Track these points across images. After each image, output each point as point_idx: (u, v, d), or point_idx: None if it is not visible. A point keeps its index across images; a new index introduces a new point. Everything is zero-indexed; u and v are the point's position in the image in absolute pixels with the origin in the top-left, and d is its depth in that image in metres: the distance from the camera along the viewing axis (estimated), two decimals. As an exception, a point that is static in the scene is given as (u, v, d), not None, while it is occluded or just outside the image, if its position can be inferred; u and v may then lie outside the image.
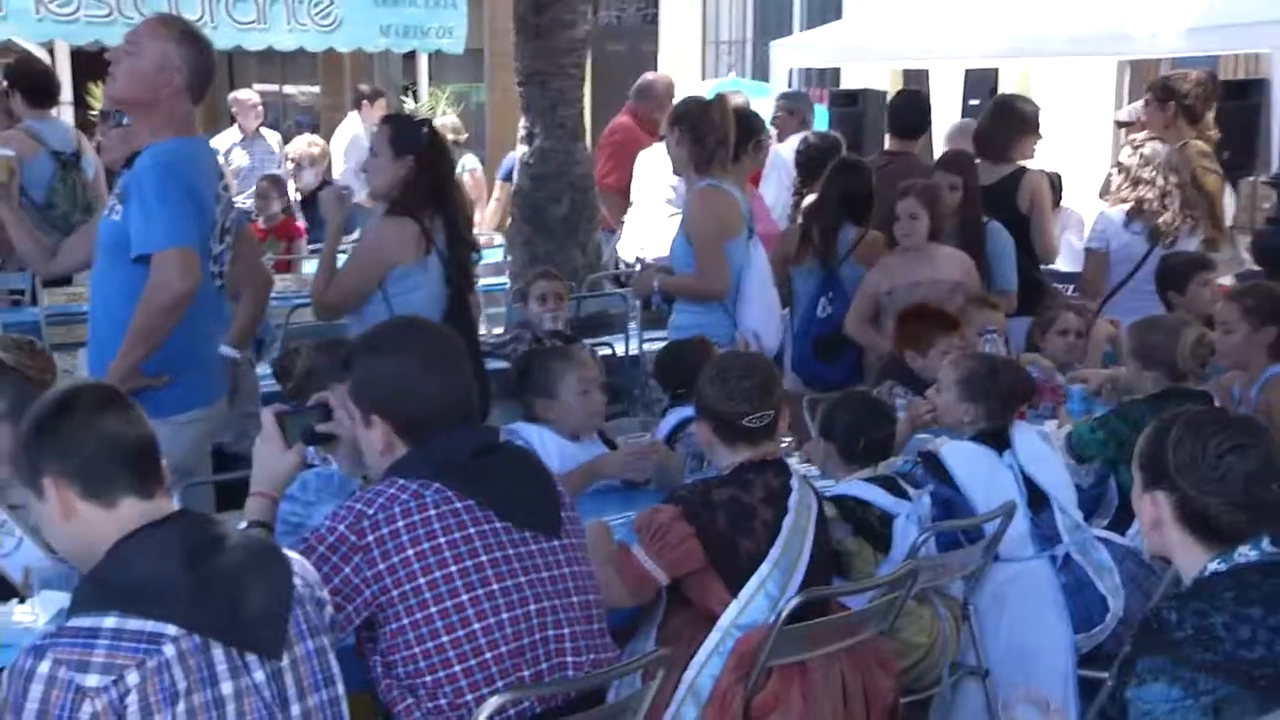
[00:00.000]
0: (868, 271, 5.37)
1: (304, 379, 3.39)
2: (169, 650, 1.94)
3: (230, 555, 2.07)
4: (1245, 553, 2.26)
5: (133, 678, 1.91)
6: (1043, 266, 6.04)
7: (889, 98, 8.02)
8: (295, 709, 2.10)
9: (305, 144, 8.66)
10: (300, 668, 2.12)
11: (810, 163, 6.66)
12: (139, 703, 1.91)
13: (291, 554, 2.23)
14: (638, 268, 5.27)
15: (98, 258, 3.79)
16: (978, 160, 5.84)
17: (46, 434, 2.08)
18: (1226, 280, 6.10)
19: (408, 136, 4.29)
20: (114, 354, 3.59)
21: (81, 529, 2.08)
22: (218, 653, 1.99)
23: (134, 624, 1.95)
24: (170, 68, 3.65)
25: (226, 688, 2.00)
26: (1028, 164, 6.00)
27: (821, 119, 9.34)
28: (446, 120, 10.62)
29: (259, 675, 2.04)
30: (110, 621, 1.95)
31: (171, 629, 1.96)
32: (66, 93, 11.16)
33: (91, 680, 1.90)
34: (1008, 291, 5.52)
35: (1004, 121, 5.99)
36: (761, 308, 4.97)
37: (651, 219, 7.55)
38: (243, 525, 2.50)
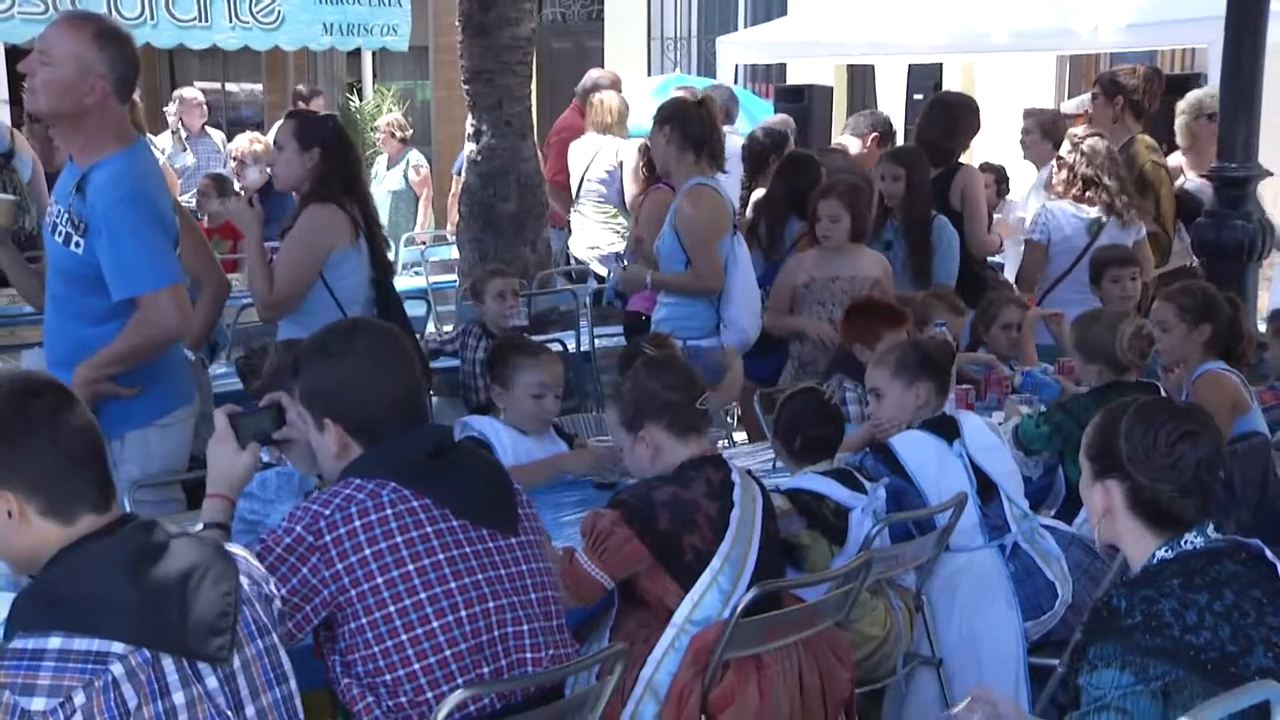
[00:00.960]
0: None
1: (272, 378, 3.35)
2: (116, 669, 1.91)
3: (174, 562, 2.03)
4: (1191, 540, 2.32)
5: (79, 698, 1.88)
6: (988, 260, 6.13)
7: (834, 93, 8.09)
8: (250, 709, 2.09)
9: (248, 141, 8.58)
10: (252, 668, 2.11)
11: (755, 157, 6.72)
12: None
13: (236, 550, 2.21)
14: (624, 264, 5.33)
15: (54, 279, 3.59)
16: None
17: (4, 445, 1.99)
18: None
19: (313, 130, 4.35)
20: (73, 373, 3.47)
21: (29, 540, 2.02)
22: (168, 663, 1.97)
23: (80, 644, 1.91)
24: (92, 74, 3.37)
25: (178, 697, 1.97)
26: (966, 160, 6.09)
27: (767, 114, 9.40)
28: (391, 117, 10.58)
29: (211, 682, 2.02)
30: (55, 642, 1.90)
31: (118, 646, 1.92)
32: (2, 91, 10.99)
33: (38, 704, 1.86)
34: (945, 285, 5.59)
35: (941, 120, 6.09)
36: (745, 302, 5.11)
37: (589, 214, 7.58)
38: (199, 527, 2.48)
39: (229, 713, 2.03)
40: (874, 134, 6.94)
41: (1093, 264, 5.36)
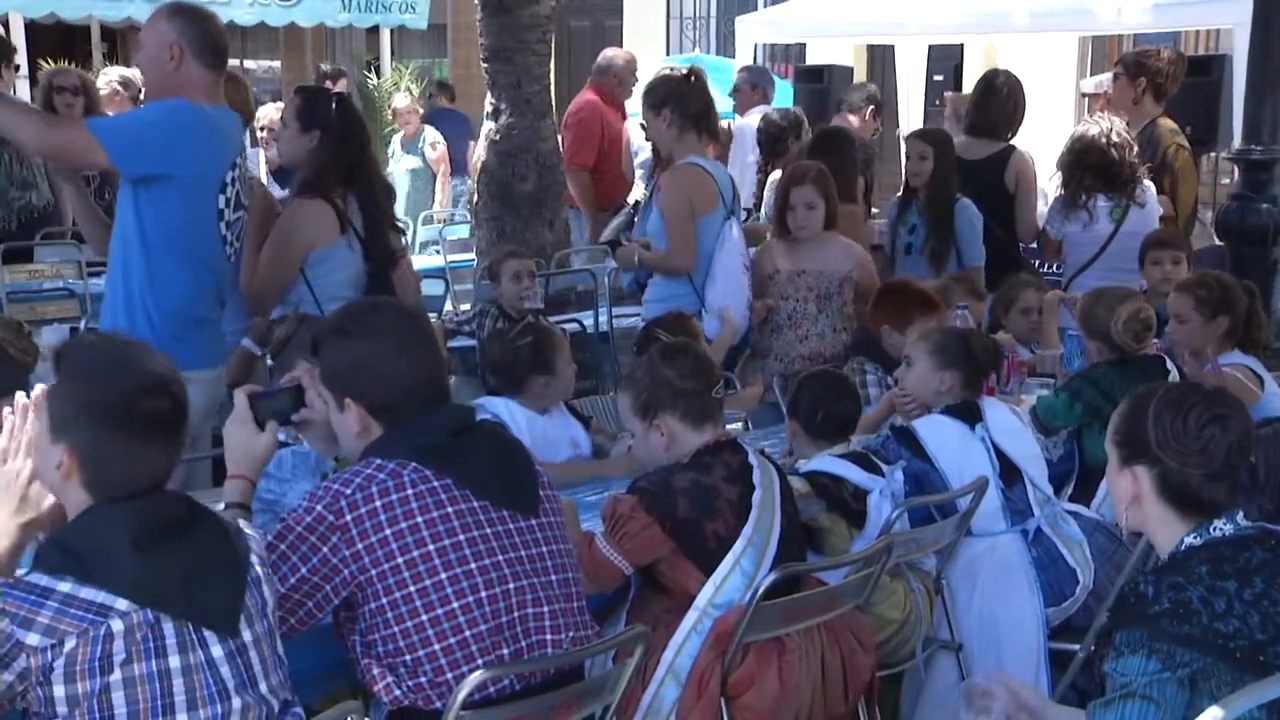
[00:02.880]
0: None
1: (279, 347, 3.33)
2: (116, 624, 1.95)
3: (186, 531, 2.07)
4: (1220, 527, 2.29)
5: (70, 643, 1.93)
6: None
7: (854, 73, 8.06)
8: (263, 685, 2.11)
9: (275, 111, 8.45)
10: (262, 645, 2.13)
11: (770, 140, 6.70)
12: (64, 666, 1.93)
13: (250, 530, 2.22)
14: (624, 240, 5.32)
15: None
16: (967, 136, 5.92)
17: (84, 418, 2.04)
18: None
19: (315, 110, 4.26)
20: (138, 319, 3.77)
21: (66, 494, 2.09)
22: (168, 627, 2.00)
23: (87, 593, 1.96)
24: (166, 42, 3.77)
25: (174, 661, 2.00)
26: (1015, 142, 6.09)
27: (786, 94, 9.35)
28: (409, 100, 10.56)
29: (217, 650, 2.05)
30: (65, 586, 1.96)
31: (122, 603, 1.96)
32: (22, 67, 10.99)
33: (32, 639, 1.93)
34: (975, 266, 5.56)
35: (1003, 99, 6.04)
36: (728, 286, 4.95)
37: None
38: (220, 507, 2.48)
39: (236, 685, 2.05)
40: (870, 107, 6.90)
41: (1143, 244, 5.29)
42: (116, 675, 1.95)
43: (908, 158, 5.69)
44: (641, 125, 5.37)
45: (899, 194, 5.88)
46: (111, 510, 2.03)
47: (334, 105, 4.29)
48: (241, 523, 2.24)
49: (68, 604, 1.94)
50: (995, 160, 5.88)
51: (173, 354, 3.58)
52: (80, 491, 2.07)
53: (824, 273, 4.99)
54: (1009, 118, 6.02)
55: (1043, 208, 7.15)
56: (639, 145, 7.28)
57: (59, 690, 1.94)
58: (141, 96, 4.66)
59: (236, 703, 2.05)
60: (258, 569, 2.16)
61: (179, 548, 2.04)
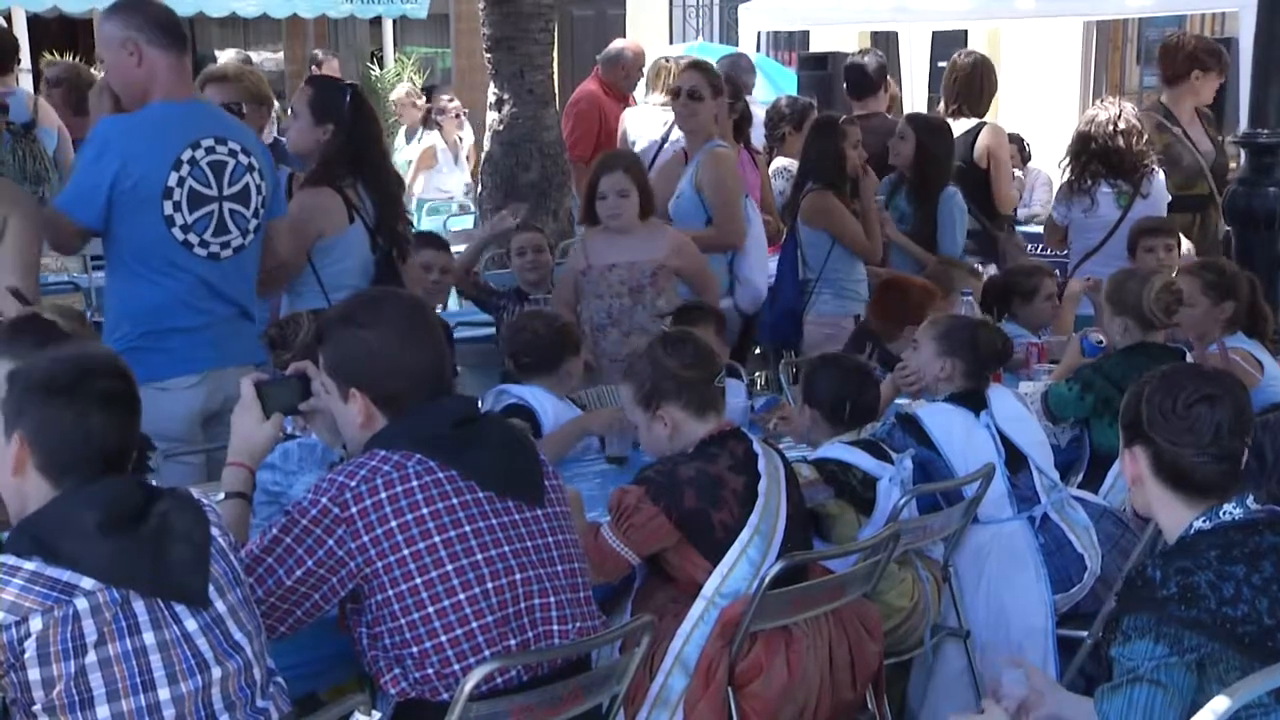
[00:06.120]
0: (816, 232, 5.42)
1: (306, 351, 3.30)
2: (81, 603, 1.96)
3: (149, 510, 2.09)
4: (1230, 511, 2.29)
5: (36, 623, 1.94)
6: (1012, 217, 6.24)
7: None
8: (249, 650, 2.13)
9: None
10: (239, 614, 2.14)
11: (769, 127, 6.68)
12: (36, 649, 1.94)
13: (205, 501, 2.22)
14: None
15: None
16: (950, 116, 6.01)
17: (37, 399, 2.07)
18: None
19: (328, 102, 4.24)
20: (114, 327, 3.75)
21: (21, 488, 2.09)
22: (139, 605, 2.01)
23: (51, 571, 1.97)
24: (119, 41, 3.66)
25: (149, 638, 2.01)
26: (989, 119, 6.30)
27: (790, 82, 9.33)
28: (408, 88, 10.54)
29: (190, 624, 2.06)
30: (30, 565, 1.97)
31: (88, 582, 1.97)
32: (24, 60, 10.99)
33: None
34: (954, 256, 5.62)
35: (960, 78, 6.32)
36: (758, 259, 5.33)
37: None
38: (220, 497, 2.48)
39: (209, 656, 2.06)
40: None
41: (1129, 234, 5.29)
42: (91, 657, 1.96)
43: (900, 137, 5.76)
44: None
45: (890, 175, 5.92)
46: (76, 496, 2.04)
47: (347, 98, 4.27)
48: (195, 492, 2.23)
49: (33, 581, 1.95)
50: (964, 139, 6.09)
51: (146, 363, 3.61)
52: (37, 480, 2.08)
53: (635, 264, 4.71)
54: (976, 96, 6.31)
55: (1048, 194, 7.15)
56: (635, 135, 7.26)
57: (34, 674, 1.95)
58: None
59: (217, 672, 2.07)
60: (220, 539, 2.17)
61: (143, 527, 2.05)
